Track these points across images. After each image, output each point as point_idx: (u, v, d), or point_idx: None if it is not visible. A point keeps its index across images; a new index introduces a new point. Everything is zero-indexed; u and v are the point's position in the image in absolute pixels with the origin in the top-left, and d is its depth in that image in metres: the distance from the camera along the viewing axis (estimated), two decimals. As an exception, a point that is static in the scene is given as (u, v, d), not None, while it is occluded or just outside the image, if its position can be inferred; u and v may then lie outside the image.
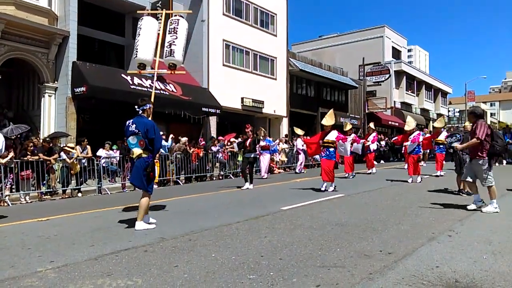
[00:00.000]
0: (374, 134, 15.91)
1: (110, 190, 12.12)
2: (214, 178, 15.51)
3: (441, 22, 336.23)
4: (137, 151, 5.86)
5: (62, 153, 11.43)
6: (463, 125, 16.06)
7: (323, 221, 6.20)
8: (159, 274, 3.85)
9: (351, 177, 13.54)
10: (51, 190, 11.12)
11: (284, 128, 25.04)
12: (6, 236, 5.81)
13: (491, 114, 78.63)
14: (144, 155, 5.87)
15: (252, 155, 11.61)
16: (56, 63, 15.49)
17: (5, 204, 9.67)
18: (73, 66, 15.15)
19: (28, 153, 10.57)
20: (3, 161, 9.66)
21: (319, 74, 27.96)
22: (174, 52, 8.52)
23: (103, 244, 5.04)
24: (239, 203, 8.67)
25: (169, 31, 8.69)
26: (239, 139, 15.01)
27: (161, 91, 16.98)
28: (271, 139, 16.68)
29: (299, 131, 15.82)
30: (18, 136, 12.49)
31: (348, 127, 14.01)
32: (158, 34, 8.71)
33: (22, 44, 14.47)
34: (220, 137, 17.35)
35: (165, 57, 8.65)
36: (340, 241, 4.94)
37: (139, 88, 16.01)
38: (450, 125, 40.91)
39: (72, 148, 11.87)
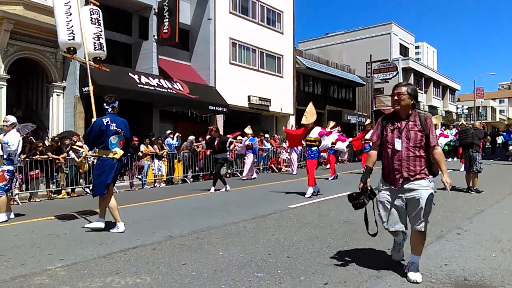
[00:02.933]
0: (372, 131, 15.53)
1: (118, 188, 12.17)
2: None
3: (449, 18, 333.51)
4: (120, 151, 5.77)
5: (70, 152, 11.51)
6: (460, 122, 15.73)
7: (331, 219, 6.20)
8: (167, 272, 3.87)
9: (330, 178, 13.01)
10: (60, 189, 11.22)
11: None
12: (16, 235, 5.87)
13: (500, 111, 77.78)
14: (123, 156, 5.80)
15: (222, 156, 10.97)
16: (64, 63, 15.58)
17: (15, 202, 9.77)
18: (81, 65, 15.22)
19: (37, 152, 10.70)
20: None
21: (326, 72, 27.86)
22: (103, 46, 8.05)
23: (112, 243, 5.08)
24: (246, 201, 8.68)
25: (92, 21, 7.99)
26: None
27: (168, 90, 17.02)
28: (256, 137, 16.01)
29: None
30: (27, 135, 12.57)
31: (331, 124, 13.40)
32: (80, 21, 7.73)
33: (30, 43, 14.56)
34: (229, 136, 17.26)
35: (95, 50, 8.04)
36: (348, 239, 4.93)
37: (147, 87, 16.07)
38: (457, 122, 40.56)
39: (81, 147, 11.95)
